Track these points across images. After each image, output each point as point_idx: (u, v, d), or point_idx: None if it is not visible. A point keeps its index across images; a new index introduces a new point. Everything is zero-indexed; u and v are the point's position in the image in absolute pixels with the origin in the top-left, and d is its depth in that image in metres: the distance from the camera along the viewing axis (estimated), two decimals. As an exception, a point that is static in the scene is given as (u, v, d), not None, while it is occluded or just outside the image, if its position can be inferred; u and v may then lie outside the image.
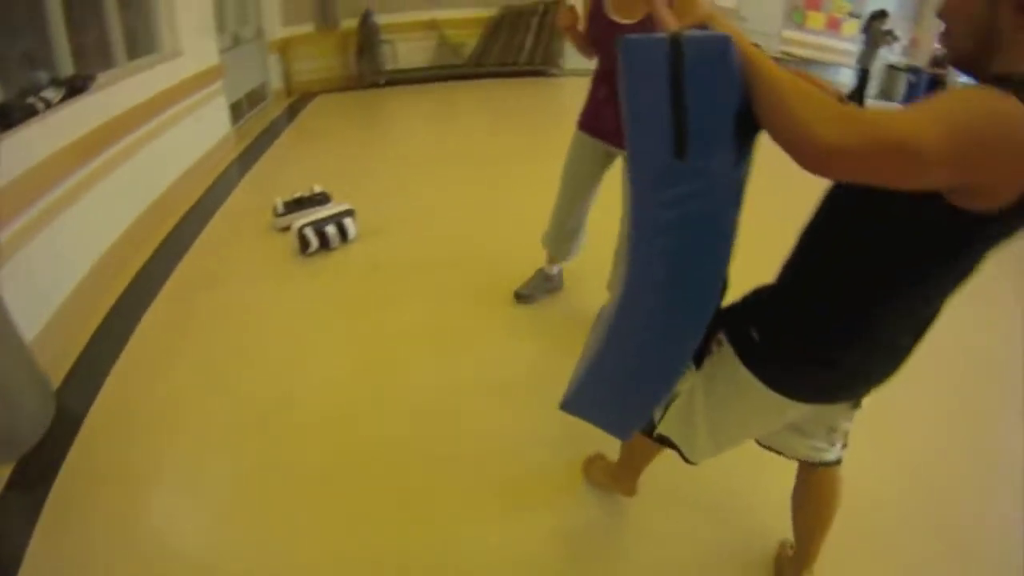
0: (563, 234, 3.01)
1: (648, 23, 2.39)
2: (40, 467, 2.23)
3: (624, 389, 1.48)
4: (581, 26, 2.67)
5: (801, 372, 1.34)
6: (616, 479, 2.09)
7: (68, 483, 2.18)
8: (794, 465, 1.75)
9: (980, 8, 1.00)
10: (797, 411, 1.42)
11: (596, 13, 2.57)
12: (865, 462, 2.11)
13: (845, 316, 1.24)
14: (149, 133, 4.06)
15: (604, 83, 2.68)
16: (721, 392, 1.45)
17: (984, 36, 1.01)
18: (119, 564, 1.94)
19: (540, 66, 8.89)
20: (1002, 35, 0.99)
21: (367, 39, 7.92)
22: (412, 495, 2.15)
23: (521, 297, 3.26)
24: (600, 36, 2.59)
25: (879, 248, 1.14)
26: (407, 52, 8.53)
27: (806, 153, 0.93)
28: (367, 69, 8.09)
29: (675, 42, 0.98)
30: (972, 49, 1.04)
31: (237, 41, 6.52)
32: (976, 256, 1.11)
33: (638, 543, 2.01)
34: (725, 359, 1.40)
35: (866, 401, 1.51)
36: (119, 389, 2.66)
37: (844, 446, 1.64)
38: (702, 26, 1.08)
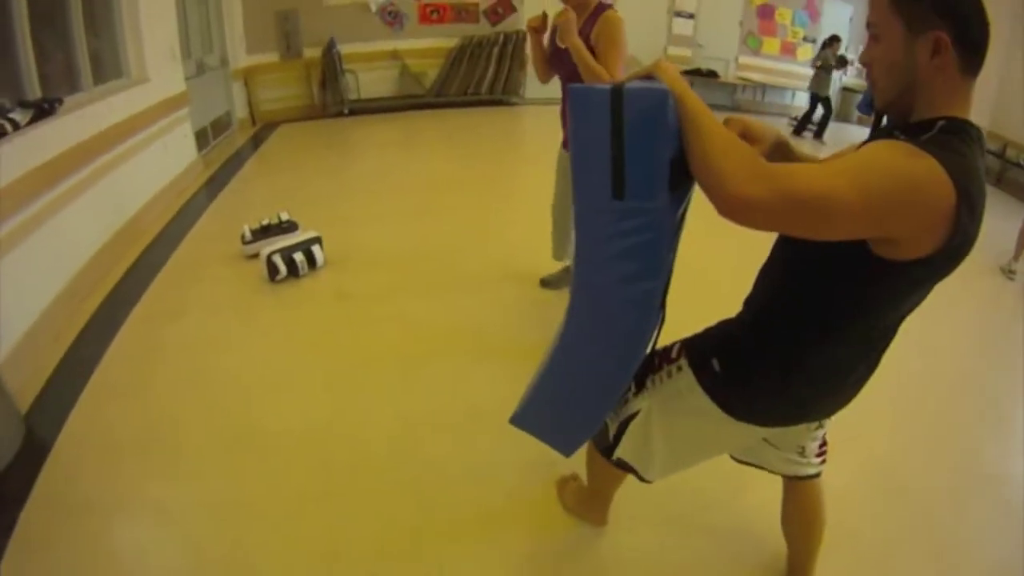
0: (563, 239, 3.32)
1: (567, 50, 2.66)
2: (8, 494, 2.18)
3: (566, 407, 1.54)
4: (546, 39, 2.95)
5: (759, 402, 1.40)
6: (586, 507, 2.12)
7: (36, 511, 2.13)
8: (768, 478, 1.81)
9: (899, 56, 1.06)
10: (754, 435, 1.50)
11: (550, 40, 2.91)
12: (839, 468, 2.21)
13: (801, 353, 1.30)
14: (116, 158, 4.04)
15: (564, 100, 2.93)
16: (679, 416, 1.50)
17: (906, 83, 1.08)
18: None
19: (501, 95, 9.06)
20: (920, 81, 1.06)
21: (330, 69, 7.98)
22: (387, 522, 2.14)
23: (546, 283, 3.68)
24: (549, 58, 2.95)
25: (822, 293, 1.22)
26: (370, 82, 8.61)
27: (720, 201, 1.02)
28: (330, 99, 8.15)
29: (616, 93, 1.06)
30: (896, 97, 1.11)
31: (202, 69, 6.52)
32: (919, 291, 1.18)
33: (616, 568, 2.03)
34: (684, 384, 1.46)
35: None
36: (88, 416, 2.62)
37: (823, 460, 1.70)
38: (648, 76, 1.17)
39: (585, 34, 2.66)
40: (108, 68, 4.48)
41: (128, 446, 2.48)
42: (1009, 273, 4.80)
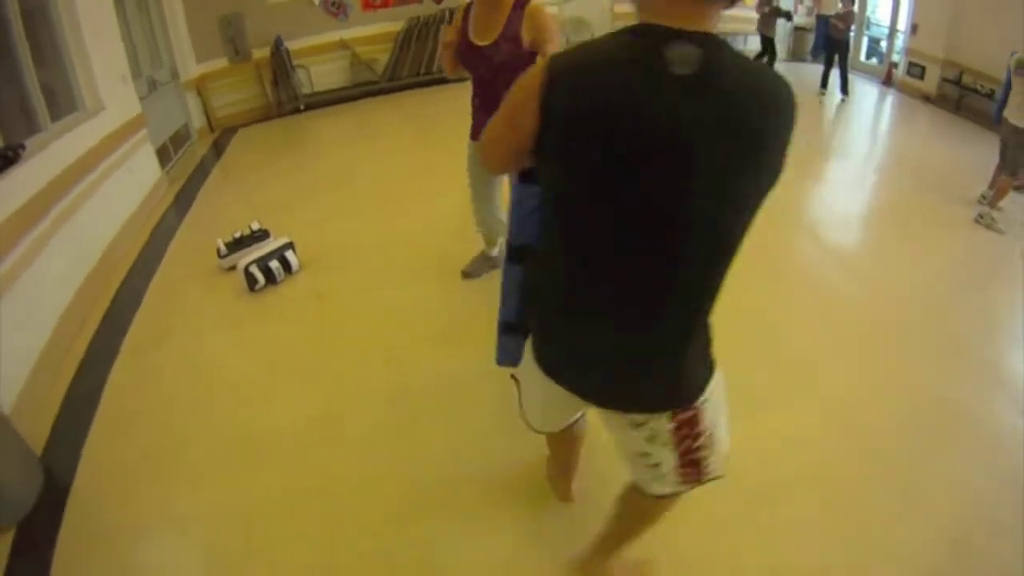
0: (485, 222, 3.50)
1: (493, 47, 2.89)
2: (37, 537, 2.37)
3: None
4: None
5: (537, 345, 1.48)
6: (551, 479, 2.31)
7: (67, 549, 2.32)
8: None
9: None
10: (561, 394, 1.46)
11: (463, 36, 3.02)
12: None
13: (549, 281, 1.38)
14: (84, 191, 4.16)
15: (476, 95, 3.15)
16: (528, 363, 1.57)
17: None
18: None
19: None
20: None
21: (281, 67, 8.03)
22: (382, 501, 2.38)
23: (466, 275, 3.81)
24: (466, 57, 3.03)
25: (550, 210, 1.32)
26: (322, 75, 8.68)
27: None
28: (284, 96, 8.20)
29: None
30: (638, 10, 1.15)
31: (154, 85, 6.57)
32: (572, 180, 1.17)
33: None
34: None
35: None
36: (99, 448, 2.81)
37: (681, 483, 1.52)
38: None
39: (514, 31, 2.83)
40: (63, 102, 4.56)
41: (143, 470, 2.68)
42: (991, 221, 4.81)
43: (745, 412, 1.98)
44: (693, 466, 1.47)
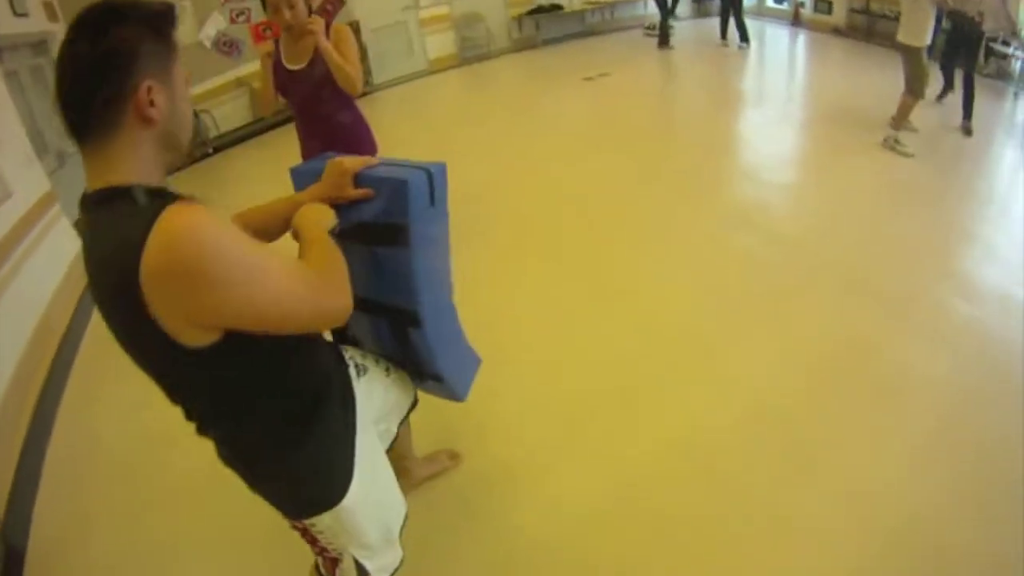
0: None
1: (310, 67, 3.13)
2: None
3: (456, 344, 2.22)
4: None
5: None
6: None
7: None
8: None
9: None
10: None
11: (276, 64, 3.25)
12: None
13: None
14: (5, 277, 4.42)
15: (300, 124, 3.44)
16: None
17: None
18: None
19: (353, 89, 9.41)
20: None
21: (183, 116, 8.26)
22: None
23: None
24: (282, 85, 3.27)
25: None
26: (225, 115, 9.00)
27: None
28: (192, 143, 8.43)
29: (429, 174, 1.76)
30: None
31: (63, 158, 6.76)
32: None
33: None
34: None
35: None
36: (50, 511, 3.14)
37: (328, 562, 1.74)
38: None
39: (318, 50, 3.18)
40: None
41: (89, 532, 2.99)
42: (895, 143, 5.07)
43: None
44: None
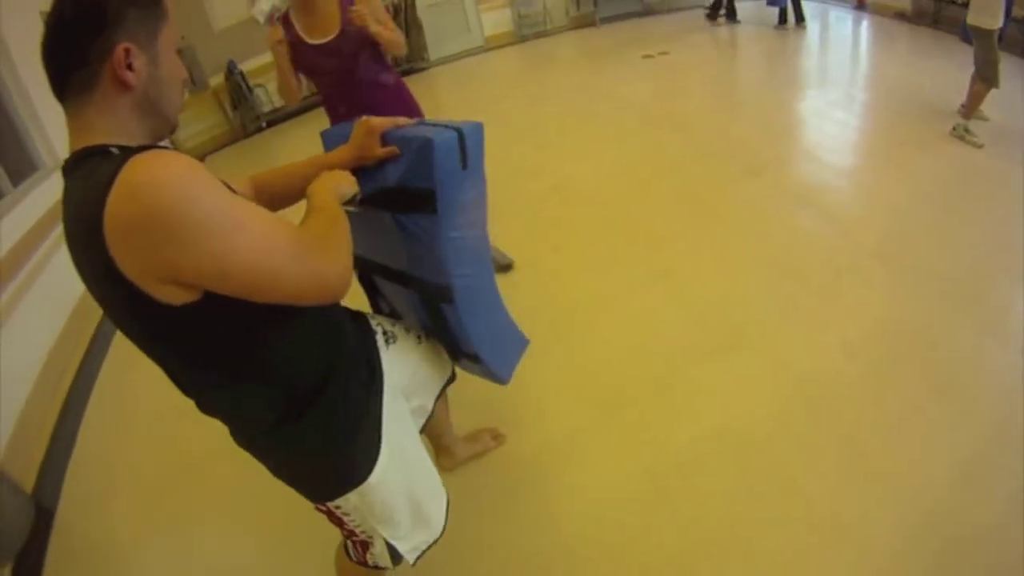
0: None
1: (341, 37, 2.79)
2: (29, 567, 2.65)
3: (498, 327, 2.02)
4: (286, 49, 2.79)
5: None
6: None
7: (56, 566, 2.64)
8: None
9: None
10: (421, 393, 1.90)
11: (296, 44, 2.80)
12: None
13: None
14: (55, 243, 4.43)
15: (335, 104, 3.05)
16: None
17: None
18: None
19: (407, 64, 9.33)
20: None
21: (237, 91, 8.30)
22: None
23: None
24: (309, 63, 2.86)
25: None
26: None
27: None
28: (246, 118, 8.48)
29: (460, 133, 1.57)
30: None
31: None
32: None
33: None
34: None
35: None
36: (79, 478, 3.13)
37: (358, 546, 1.64)
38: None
39: (347, 17, 2.77)
40: (23, 167, 4.86)
41: (118, 495, 2.99)
42: (965, 133, 4.75)
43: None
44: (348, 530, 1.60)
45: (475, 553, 2.31)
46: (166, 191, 0.95)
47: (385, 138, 1.59)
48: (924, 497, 2.27)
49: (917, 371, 2.82)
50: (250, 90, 8.40)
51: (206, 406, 1.35)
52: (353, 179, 1.51)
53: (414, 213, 1.60)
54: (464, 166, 1.60)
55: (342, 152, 1.61)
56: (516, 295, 3.28)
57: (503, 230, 4.10)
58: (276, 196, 1.59)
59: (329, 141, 1.81)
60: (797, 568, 2.12)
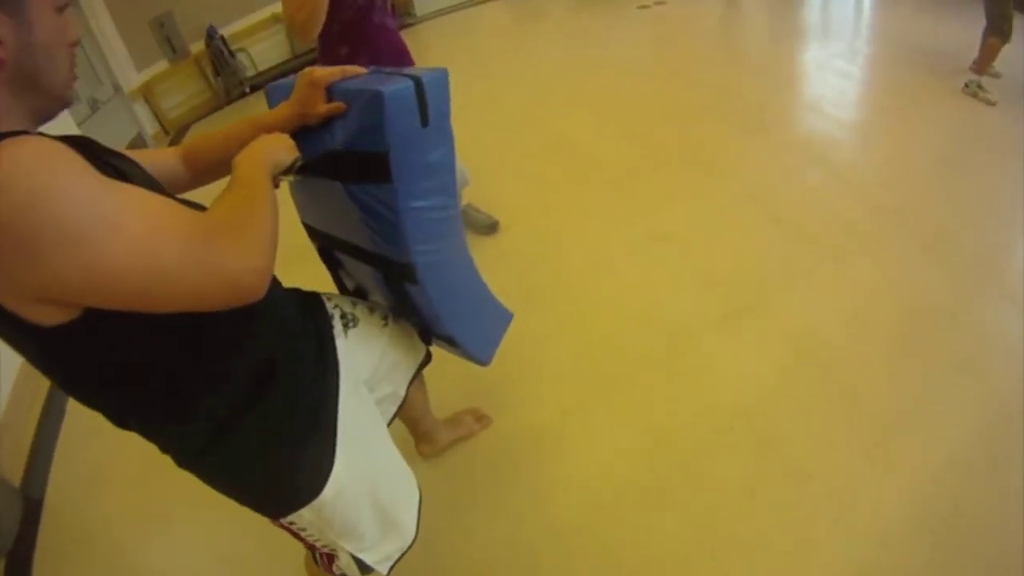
0: None
1: None
2: (19, 557, 2.61)
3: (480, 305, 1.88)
4: None
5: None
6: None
7: (43, 567, 2.58)
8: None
9: None
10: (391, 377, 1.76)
11: None
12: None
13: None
14: None
15: (345, 43, 2.75)
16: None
17: None
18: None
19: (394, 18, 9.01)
20: None
21: (218, 56, 8.04)
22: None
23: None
24: None
25: None
26: (262, 53, 8.65)
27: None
28: (229, 83, 8.24)
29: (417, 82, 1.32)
30: None
31: (95, 105, 6.69)
32: None
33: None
34: None
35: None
36: (66, 468, 3.07)
37: (323, 557, 1.52)
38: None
39: None
40: None
41: (104, 483, 2.93)
42: (977, 89, 4.59)
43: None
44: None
45: (458, 545, 2.23)
46: (14, 192, 0.78)
47: (331, 91, 1.36)
48: (944, 483, 2.17)
49: (934, 343, 2.71)
50: (232, 55, 8.14)
51: (125, 424, 1.19)
52: (291, 143, 1.30)
53: (365, 183, 1.37)
54: (424, 123, 1.35)
55: (281, 110, 1.39)
56: (502, 260, 3.15)
57: (489, 188, 3.96)
58: (212, 165, 1.40)
59: (274, 97, 1.54)
60: (800, 559, 2.04)
